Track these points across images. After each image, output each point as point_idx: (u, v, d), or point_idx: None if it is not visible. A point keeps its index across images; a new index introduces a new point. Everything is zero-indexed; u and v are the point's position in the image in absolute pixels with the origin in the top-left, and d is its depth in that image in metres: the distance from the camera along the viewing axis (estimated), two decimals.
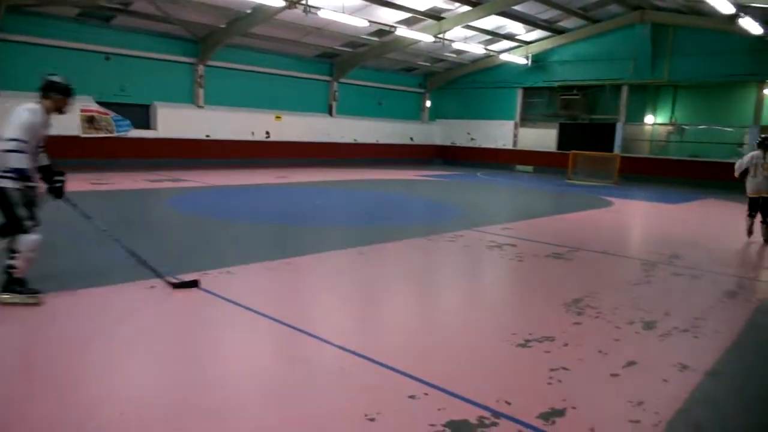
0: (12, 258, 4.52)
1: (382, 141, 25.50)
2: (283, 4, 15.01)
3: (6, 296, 4.50)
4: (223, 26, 18.21)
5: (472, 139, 27.01)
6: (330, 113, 23.95)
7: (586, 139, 22.45)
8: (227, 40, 18.71)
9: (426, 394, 3.25)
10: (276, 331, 4.29)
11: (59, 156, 16.77)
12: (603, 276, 6.59)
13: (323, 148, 23.06)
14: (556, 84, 23.78)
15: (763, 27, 15.97)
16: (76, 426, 2.83)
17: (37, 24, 15.94)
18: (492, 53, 23.47)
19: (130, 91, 18.12)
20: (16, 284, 4.54)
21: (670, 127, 23.79)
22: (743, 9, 14.58)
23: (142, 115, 18.44)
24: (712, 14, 16.06)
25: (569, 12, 20.14)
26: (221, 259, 6.38)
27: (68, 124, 16.33)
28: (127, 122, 17.67)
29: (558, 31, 22.39)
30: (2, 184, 4.44)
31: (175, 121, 18.92)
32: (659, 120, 24.43)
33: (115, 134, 17.35)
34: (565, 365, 3.75)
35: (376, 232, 8.71)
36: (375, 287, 5.84)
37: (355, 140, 24.49)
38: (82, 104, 16.71)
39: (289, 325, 4.32)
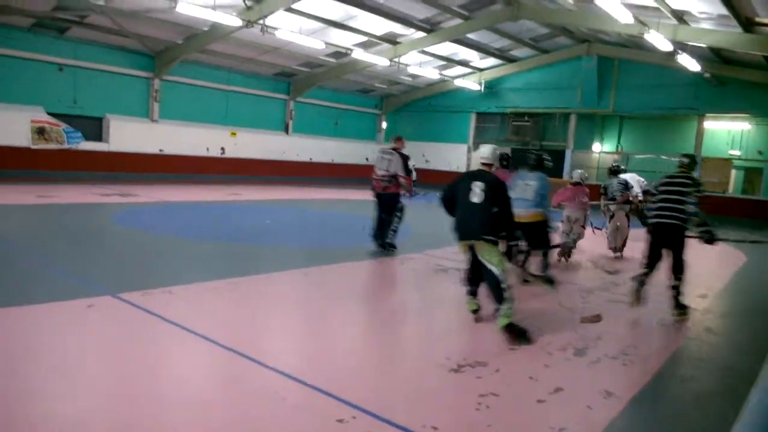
0: None
1: (337, 161, 25.65)
2: (240, 23, 15.07)
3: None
4: (180, 42, 18.11)
5: (426, 161, 27.43)
6: (286, 131, 23.99)
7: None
8: (184, 56, 18.60)
9: (354, 417, 3.30)
10: (212, 353, 4.29)
11: (7, 167, 16.47)
12: (542, 302, 6.68)
13: (278, 166, 23.06)
14: (507, 110, 24.50)
15: (700, 64, 16.92)
16: None
17: None
18: (446, 78, 24.04)
19: (83, 104, 17.81)
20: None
21: (616, 156, 24.76)
22: (681, 47, 15.44)
23: (94, 128, 18.13)
24: (654, 50, 16.93)
25: (520, 42, 20.86)
26: (164, 278, 6.33)
27: (17, 134, 16.06)
28: (79, 134, 17.38)
29: (510, 60, 23.15)
30: None
31: (128, 135, 18.64)
32: (606, 148, 25.39)
33: (65, 146, 17.03)
34: (495, 391, 3.83)
35: (324, 254, 8.75)
36: (315, 310, 5.82)
37: (310, 159, 24.57)
38: (33, 115, 16.40)
39: (225, 347, 4.33)
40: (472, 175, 5.38)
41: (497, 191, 5.19)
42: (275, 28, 15.99)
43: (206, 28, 17.08)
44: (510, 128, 24.74)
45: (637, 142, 24.54)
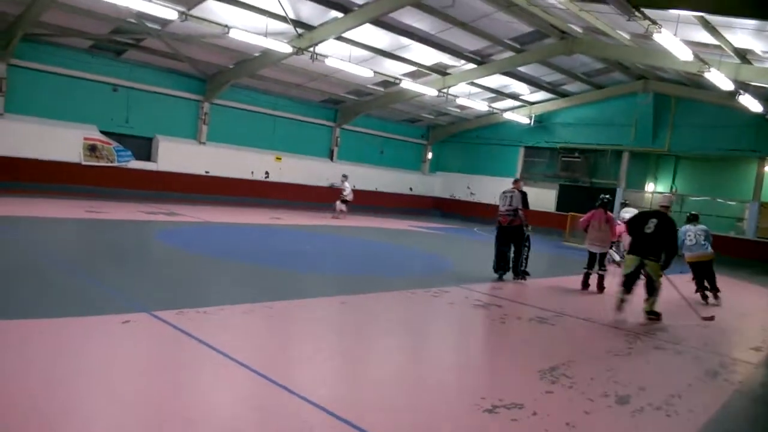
0: None
1: (381, 189, 25.60)
2: (291, 50, 15.28)
3: None
4: (230, 67, 18.55)
5: (471, 193, 27.07)
6: (331, 158, 24.14)
7: (586, 201, 22.39)
8: (234, 80, 19.03)
9: None
10: (242, 377, 4.21)
11: (59, 182, 17.07)
12: (584, 344, 6.42)
13: (321, 192, 23.12)
14: (557, 145, 24.01)
15: (762, 105, 16.15)
16: None
17: (49, 53, 16.32)
18: (495, 111, 23.80)
19: (135, 124, 18.34)
20: None
21: (671, 196, 23.79)
22: (743, 87, 14.78)
23: (144, 148, 18.61)
24: (714, 89, 16.28)
25: (573, 77, 20.50)
26: (200, 297, 6.37)
27: (70, 150, 16.62)
28: (129, 153, 17.87)
29: (562, 94, 22.77)
30: None
31: (176, 155, 19.06)
32: (660, 188, 24.49)
33: (115, 164, 17.51)
34: None
35: (362, 282, 8.60)
36: (350, 340, 5.69)
37: (354, 187, 24.55)
38: (86, 133, 16.98)
39: (256, 372, 4.25)
40: (651, 213, 7.93)
41: (666, 228, 7.59)
42: (325, 56, 16.14)
43: (257, 54, 17.43)
44: (559, 164, 24.20)
45: (692, 183, 23.57)
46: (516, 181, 10.63)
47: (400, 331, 6.27)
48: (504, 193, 10.34)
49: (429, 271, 10.81)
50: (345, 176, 20.05)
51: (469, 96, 21.73)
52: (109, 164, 17.44)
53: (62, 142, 16.53)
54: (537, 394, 4.43)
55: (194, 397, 3.81)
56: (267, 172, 21.52)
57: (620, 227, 11.66)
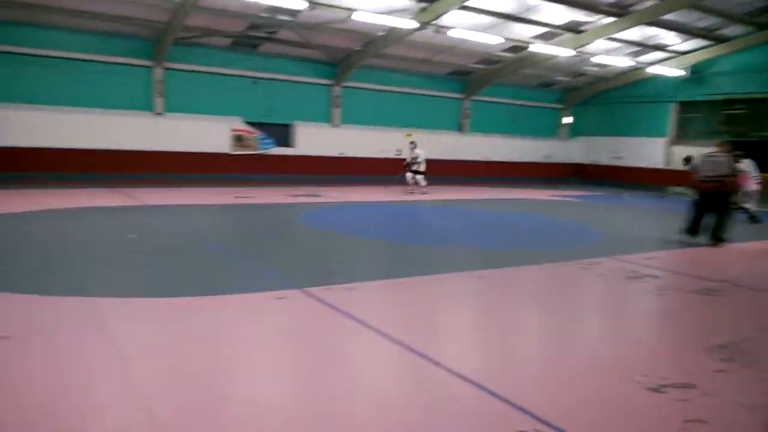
0: None
1: (516, 159, 24.76)
2: (416, 25, 15.07)
3: None
4: (358, 49, 18.80)
5: (618, 157, 25.24)
6: (461, 131, 23.70)
7: (757, 159, 19.84)
8: (361, 62, 19.29)
9: (537, 430, 3.00)
10: (388, 349, 4.25)
11: (211, 171, 18.60)
12: (763, 319, 5.61)
13: (454, 166, 22.82)
14: (717, 98, 21.47)
15: None
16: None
17: (196, 54, 17.67)
18: (640, 66, 21.81)
19: (274, 112, 19.33)
20: None
21: None
22: None
23: (283, 134, 19.60)
24: None
25: (732, 19, 18.11)
26: (345, 274, 6.54)
27: (220, 142, 18.02)
28: (270, 140, 18.97)
29: (719, 40, 20.24)
30: None
31: (313, 140, 19.91)
32: None
33: (258, 151, 18.70)
34: (703, 417, 3.22)
35: (504, 255, 8.31)
36: (495, 314, 5.47)
37: (487, 158, 23.98)
38: (233, 124, 18.30)
39: (404, 345, 4.26)
40: None
41: None
42: (449, 27, 15.75)
43: (382, 33, 17.46)
44: (720, 118, 21.64)
45: None
46: (721, 144, 9.75)
47: (547, 306, 5.92)
48: (707, 156, 9.62)
49: (575, 242, 10.16)
50: (413, 143, 17.54)
51: (609, 52, 20.12)
52: (254, 152, 18.62)
53: (213, 134, 17.97)
54: (706, 372, 3.95)
55: (345, 368, 3.90)
56: (399, 150, 21.66)
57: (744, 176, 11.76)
